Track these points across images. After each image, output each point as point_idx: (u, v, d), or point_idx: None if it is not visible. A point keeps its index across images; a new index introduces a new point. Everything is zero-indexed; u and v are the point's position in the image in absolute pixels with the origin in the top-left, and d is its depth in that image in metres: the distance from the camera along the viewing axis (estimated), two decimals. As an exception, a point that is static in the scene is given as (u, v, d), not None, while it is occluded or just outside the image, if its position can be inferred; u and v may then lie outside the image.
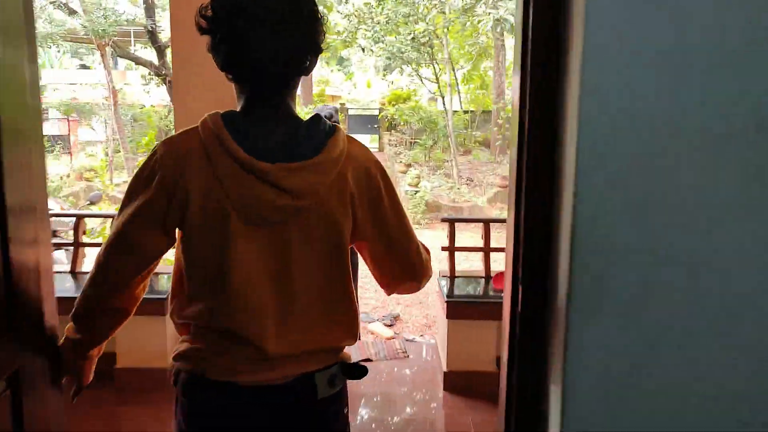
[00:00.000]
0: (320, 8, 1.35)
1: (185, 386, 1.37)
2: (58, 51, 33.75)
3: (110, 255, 1.33)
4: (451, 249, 4.06)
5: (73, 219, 3.92)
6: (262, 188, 1.26)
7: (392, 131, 19.71)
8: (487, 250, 4.05)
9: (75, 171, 12.34)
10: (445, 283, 3.94)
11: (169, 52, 18.26)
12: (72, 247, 3.90)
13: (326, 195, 1.31)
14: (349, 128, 22.34)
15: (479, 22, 8.75)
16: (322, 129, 1.34)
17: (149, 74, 22.92)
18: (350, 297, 1.39)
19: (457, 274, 4.03)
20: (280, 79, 1.33)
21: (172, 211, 1.29)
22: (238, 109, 1.34)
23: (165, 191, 1.28)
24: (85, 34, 12.75)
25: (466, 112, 18.03)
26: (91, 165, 10.56)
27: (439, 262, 4.40)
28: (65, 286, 3.68)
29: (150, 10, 17.77)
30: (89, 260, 3.94)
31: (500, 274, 3.92)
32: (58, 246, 4.36)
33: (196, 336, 1.36)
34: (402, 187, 11.51)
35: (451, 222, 4.12)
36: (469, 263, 7.87)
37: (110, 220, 4.22)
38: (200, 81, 3.25)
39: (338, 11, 13.31)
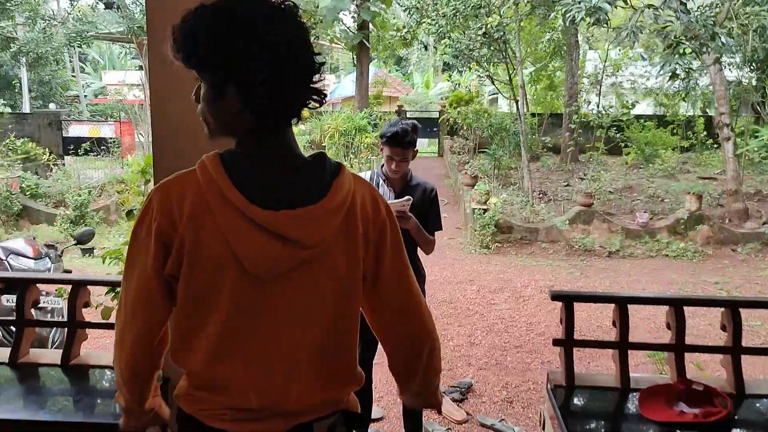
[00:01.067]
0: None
1: (181, 427, 1.39)
2: (121, 52, 33.94)
3: (134, 318, 1.32)
4: (569, 343, 2.67)
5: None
6: (267, 238, 1.23)
7: (454, 136, 18.41)
8: (625, 346, 2.64)
9: (109, 181, 11.40)
10: (555, 391, 2.56)
11: None
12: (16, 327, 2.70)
13: (334, 242, 1.28)
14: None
15: (566, 12, 7.26)
16: (327, 169, 1.31)
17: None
18: (353, 349, 1.34)
19: (577, 383, 2.63)
20: (283, 116, 1.29)
21: (170, 261, 1.27)
22: (234, 146, 1.31)
23: (162, 242, 1.26)
24: (125, 33, 11.81)
25: (533, 115, 16.64)
26: (122, 175, 9.60)
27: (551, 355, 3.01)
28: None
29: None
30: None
31: (656, 391, 2.47)
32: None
33: (191, 378, 1.33)
34: (468, 205, 10.09)
35: (567, 301, 2.71)
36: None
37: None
38: (180, 87, 2.24)
39: (398, 3, 12.04)
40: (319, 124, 10.92)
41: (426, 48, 12.87)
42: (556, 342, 2.67)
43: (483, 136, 13.89)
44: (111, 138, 15.86)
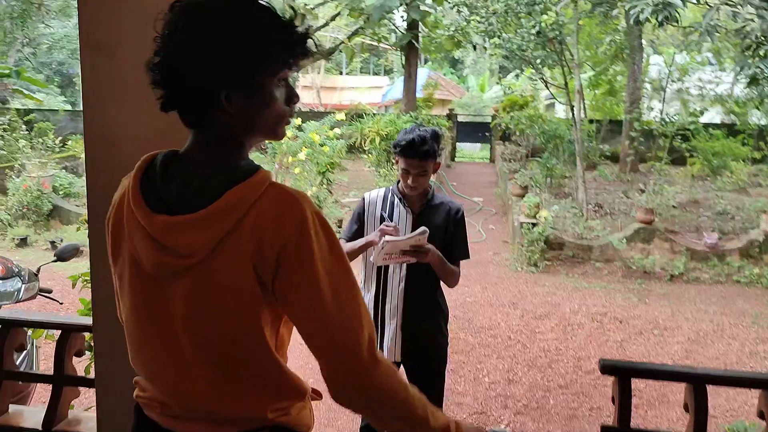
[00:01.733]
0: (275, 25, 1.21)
1: (135, 414, 1.43)
2: None
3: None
4: (623, 434, 1.99)
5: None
6: (148, 243, 1.24)
7: (506, 142, 17.66)
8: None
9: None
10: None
11: None
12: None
13: (215, 253, 1.21)
14: (458, 137, 20.60)
15: (630, 8, 6.50)
16: (226, 179, 1.23)
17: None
18: (269, 362, 1.28)
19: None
20: (188, 107, 1.25)
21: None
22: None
23: (108, 233, 1.34)
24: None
25: (591, 121, 15.76)
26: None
27: None
28: None
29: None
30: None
31: None
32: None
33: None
34: (516, 217, 9.36)
35: (622, 376, 2.03)
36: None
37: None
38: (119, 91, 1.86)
39: (448, 1, 11.40)
40: (360, 128, 10.34)
41: (475, 48, 12.13)
42: (606, 429, 1.99)
43: (536, 143, 13.09)
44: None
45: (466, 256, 3.00)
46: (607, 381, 5.20)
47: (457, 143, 20.78)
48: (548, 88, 11.81)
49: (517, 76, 13.84)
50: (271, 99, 1.28)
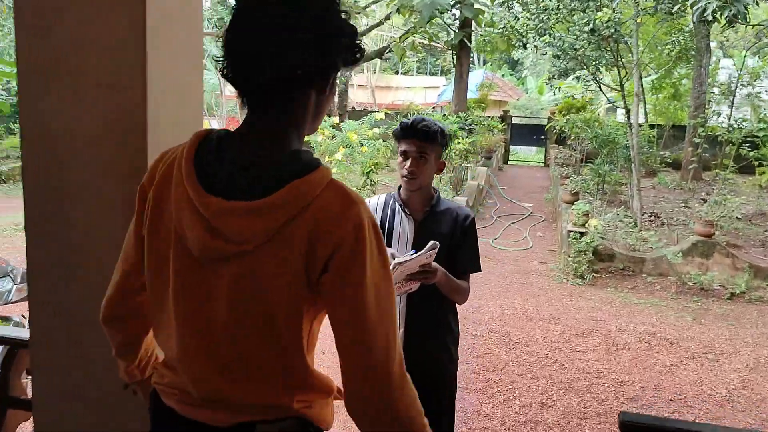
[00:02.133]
0: (346, 21, 1.25)
1: (151, 401, 1.44)
2: None
3: (115, 272, 1.44)
4: None
5: None
6: (198, 224, 1.22)
7: (561, 146, 17.06)
8: None
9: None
10: None
11: None
12: None
13: (265, 246, 1.20)
14: (511, 138, 20.07)
15: (694, 3, 5.97)
16: (288, 168, 1.21)
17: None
18: (296, 355, 1.27)
19: None
20: (263, 92, 1.24)
21: (144, 219, 1.33)
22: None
23: (141, 199, 1.34)
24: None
25: (652, 126, 15.03)
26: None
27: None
28: None
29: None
30: None
31: None
32: None
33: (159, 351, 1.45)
34: (564, 225, 8.87)
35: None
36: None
37: None
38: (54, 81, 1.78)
39: (499, -3, 10.98)
40: (403, 128, 10.03)
41: (525, 47, 11.61)
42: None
43: (590, 147, 12.49)
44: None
45: (477, 268, 2.67)
46: (652, 411, 4.74)
47: (511, 146, 20.25)
48: (601, 90, 11.20)
49: (578, 78, 13.30)
50: (333, 92, 1.35)
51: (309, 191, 1.20)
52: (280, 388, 1.30)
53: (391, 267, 2.24)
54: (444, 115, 11.95)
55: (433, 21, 13.60)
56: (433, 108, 24.28)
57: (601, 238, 8.48)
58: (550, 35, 9.30)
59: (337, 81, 1.38)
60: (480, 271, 2.67)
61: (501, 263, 8.76)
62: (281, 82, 1.22)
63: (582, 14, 8.81)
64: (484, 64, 31.53)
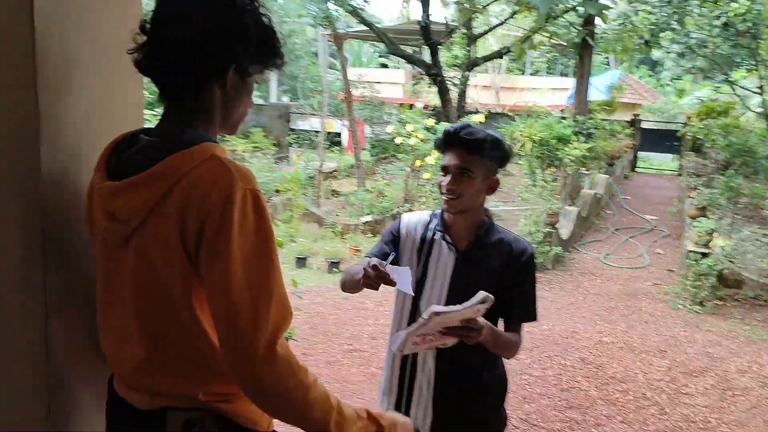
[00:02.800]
0: (255, 20, 1.30)
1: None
2: (371, 49, 35.28)
3: None
4: None
5: None
6: (99, 209, 1.30)
7: (697, 153, 15.58)
8: None
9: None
10: None
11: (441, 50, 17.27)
12: None
13: (147, 221, 1.24)
14: (641, 144, 18.64)
15: None
16: (177, 141, 1.25)
17: (420, 73, 21.91)
18: (196, 342, 1.28)
19: None
20: (163, 83, 1.30)
21: None
22: None
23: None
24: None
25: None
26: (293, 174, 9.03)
27: None
28: None
29: (425, 2, 16.37)
30: None
31: None
32: None
33: None
34: (685, 244, 7.93)
35: None
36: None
37: None
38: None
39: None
40: (509, 130, 9.43)
41: (647, 43, 10.53)
42: None
43: (726, 156, 11.20)
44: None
45: (531, 317, 2.17)
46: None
47: (640, 152, 18.84)
48: (734, 91, 9.96)
49: (728, 80, 12.00)
50: (251, 89, 1.39)
51: (183, 164, 1.21)
52: (190, 375, 1.30)
53: (425, 317, 1.79)
54: (562, 118, 11.19)
55: (555, 18, 12.82)
56: (562, 110, 23.20)
57: (729, 260, 7.47)
58: (673, 31, 8.31)
59: (253, 81, 1.37)
60: (535, 320, 2.17)
61: (608, 282, 7.97)
62: (177, 74, 1.26)
63: (714, 6, 7.75)
64: (620, 64, 29.75)
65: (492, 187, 2.12)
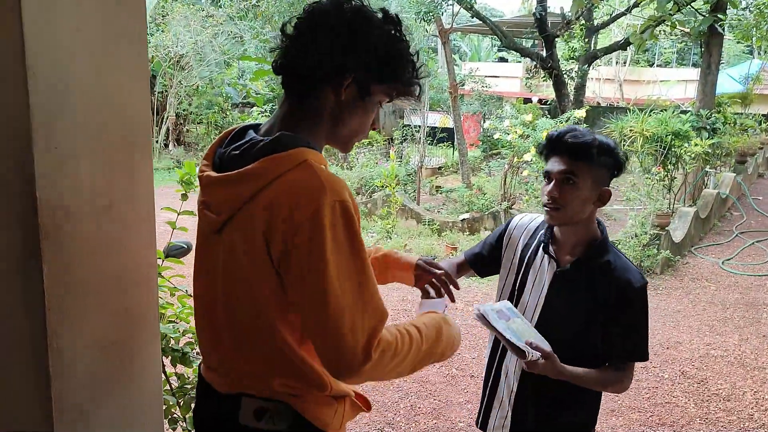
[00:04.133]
0: (383, 39, 1.35)
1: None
2: (490, 44, 34.78)
3: None
4: None
5: None
6: (201, 199, 1.40)
7: None
8: None
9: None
10: None
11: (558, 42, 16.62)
12: None
13: (237, 218, 1.31)
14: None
15: None
16: (273, 144, 1.29)
17: (534, 66, 21.26)
18: (272, 336, 1.33)
19: None
20: (284, 83, 1.38)
21: None
22: None
23: None
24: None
25: None
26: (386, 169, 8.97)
27: None
28: None
29: (541, -6, 15.81)
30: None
31: None
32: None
33: None
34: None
35: None
36: None
37: None
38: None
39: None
40: (618, 126, 8.90)
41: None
42: None
43: None
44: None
45: (636, 357, 1.94)
46: None
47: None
48: None
49: None
50: (370, 110, 1.42)
51: (275, 167, 1.26)
52: (266, 366, 1.36)
53: (481, 309, 1.81)
54: (682, 111, 10.44)
55: (681, 7, 11.97)
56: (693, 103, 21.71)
57: None
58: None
59: (383, 101, 1.42)
60: (642, 359, 1.95)
61: (725, 290, 7.32)
62: (297, 76, 1.35)
63: None
64: (765, 54, 27.33)
65: (603, 198, 1.91)
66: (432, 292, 1.78)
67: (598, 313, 1.89)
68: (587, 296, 1.91)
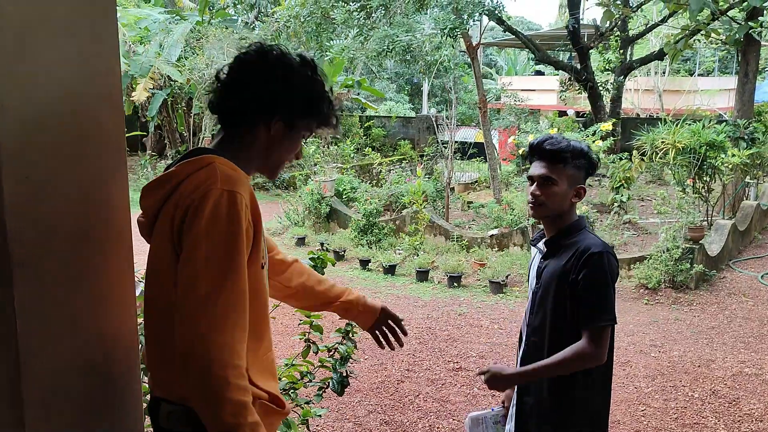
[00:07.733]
0: (306, 82, 1.60)
1: None
2: (527, 57, 34.57)
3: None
4: None
5: None
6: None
7: None
8: None
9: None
10: None
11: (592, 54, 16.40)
12: None
13: (157, 220, 1.47)
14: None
15: None
16: (191, 153, 1.52)
17: (569, 79, 20.98)
18: (171, 338, 1.38)
19: None
20: (220, 121, 1.62)
21: None
22: None
23: None
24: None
25: None
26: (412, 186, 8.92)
27: None
28: None
29: (574, 4, 15.68)
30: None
31: None
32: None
33: None
34: None
35: None
36: None
37: None
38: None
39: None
40: (649, 138, 8.71)
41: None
42: None
43: None
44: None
45: (595, 321, 2.07)
46: None
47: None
48: None
49: None
50: (296, 141, 1.64)
51: (184, 169, 1.44)
52: (173, 370, 1.42)
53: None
54: (718, 122, 10.17)
55: (716, 17, 11.74)
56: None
57: None
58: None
59: (306, 134, 1.67)
60: (609, 323, 2.09)
61: (763, 305, 7.06)
62: (231, 115, 1.60)
63: None
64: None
65: (579, 195, 2.24)
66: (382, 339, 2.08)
67: (566, 284, 2.13)
68: (558, 269, 2.17)
